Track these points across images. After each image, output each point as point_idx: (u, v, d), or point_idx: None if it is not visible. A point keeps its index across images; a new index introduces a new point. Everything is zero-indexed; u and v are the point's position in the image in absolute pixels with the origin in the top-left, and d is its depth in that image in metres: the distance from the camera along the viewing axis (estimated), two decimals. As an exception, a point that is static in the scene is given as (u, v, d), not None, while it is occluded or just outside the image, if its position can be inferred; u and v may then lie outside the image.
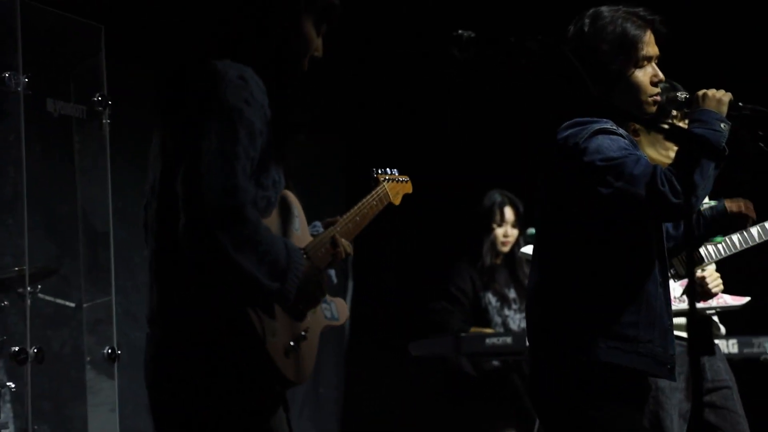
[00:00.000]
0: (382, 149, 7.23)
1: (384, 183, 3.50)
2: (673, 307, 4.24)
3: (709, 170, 3.33)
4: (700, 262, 4.32)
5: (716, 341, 4.41)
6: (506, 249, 6.44)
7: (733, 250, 4.33)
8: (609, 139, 3.36)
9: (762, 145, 3.49)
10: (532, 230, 6.21)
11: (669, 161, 4.33)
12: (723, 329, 4.47)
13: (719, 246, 4.31)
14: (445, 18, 6.41)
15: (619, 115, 3.49)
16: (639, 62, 3.47)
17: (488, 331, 6.27)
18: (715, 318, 4.45)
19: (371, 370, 7.25)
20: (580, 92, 3.46)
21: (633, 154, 3.33)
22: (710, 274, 4.29)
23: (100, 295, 5.22)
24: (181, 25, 5.97)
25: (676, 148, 4.22)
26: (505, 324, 6.32)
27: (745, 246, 4.34)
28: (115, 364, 5.05)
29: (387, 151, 7.22)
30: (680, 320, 4.27)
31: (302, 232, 3.00)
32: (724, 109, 3.42)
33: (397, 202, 3.53)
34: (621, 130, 3.43)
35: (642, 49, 3.47)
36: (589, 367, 3.34)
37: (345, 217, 3.20)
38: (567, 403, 3.38)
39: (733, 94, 3.44)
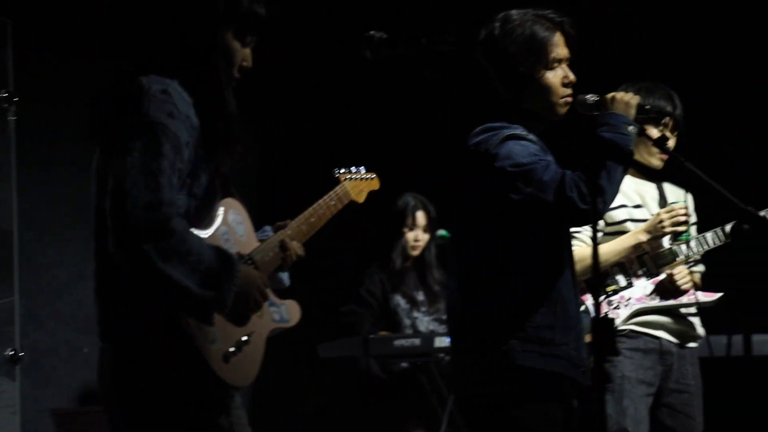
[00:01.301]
0: (298, 151, 7.22)
1: (344, 182, 3.54)
2: (645, 305, 4.32)
3: (617, 174, 3.37)
4: (672, 260, 4.36)
5: (692, 344, 4.44)
6: (416, 252, 6.45)
7: (707, 248, 4.38)
8: (519, 145, 3.38)
9: (669, 147, 3.54)
10: (442, 232, 6.25)
11: (660, 163, 4.39)
12: (701, 330, 4.46)
13: (692, 244, 4.35)
14: (360, 18, 6.40)
15: (530, 119, 3.51)
16: (549, 64, 3.49)
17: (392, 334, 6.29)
18: (694, 318, 4.45)
19: (280, 372, 7.21)
20: (491, 95, 3.49)
21: (543, 160, 3.36)
22: (679, 271, 4.32)
23: (2, 295, 5.11)
24: (92, 21, 5.91)
25: (656, 151, 4.29)
26: (414, 326, 6.33)
27: (718, 244, 4.38)
28: (17, 367, 4.96)
29: (304, 153, 7.21)
30: (653, 317, 4.34)
31: (248, 237, 3.06)
32: (632, 113, 3.46)
33: (360, 199, 3.59)
34: (531, 136, 3.45)
35: (551, 51, 3.49)
36: (508, 371, 3.36)
37: (297, 219, 3.25)
38: (490, 404, 3.40)
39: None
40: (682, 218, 4.23)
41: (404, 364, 6.20)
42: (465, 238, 3.51)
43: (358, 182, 3.61)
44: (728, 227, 4.32)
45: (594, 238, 2.95)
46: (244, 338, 2.93)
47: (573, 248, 4.21)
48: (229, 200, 3.03)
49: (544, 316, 3.39)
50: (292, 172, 7.19)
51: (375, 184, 3.71)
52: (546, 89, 3.50)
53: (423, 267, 6.49)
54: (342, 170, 3.61)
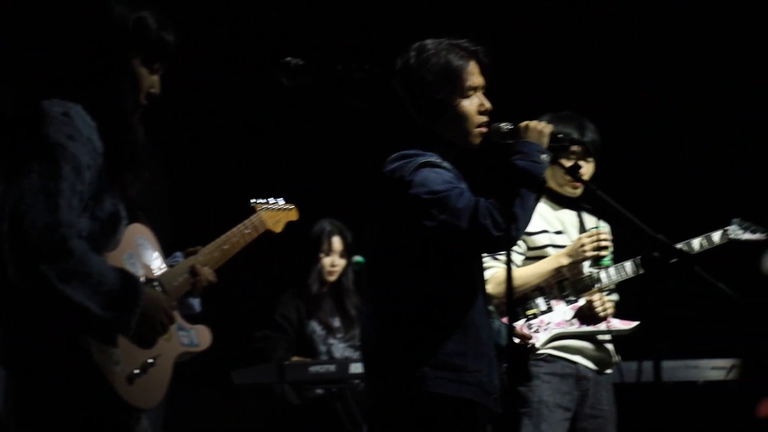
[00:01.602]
0: (211, 178, 7.17)
1: (260, 212, 3.54)
2: (564, 330, 4.35)
3: (530, 202, 3.40)
4: (591, 286, 4.40)
5: (608, 370, 4.49)
6: (333, 278, 6.45)
7: (626, 277, 4.43)
8: (434, 173, 3.40)
9: (580, 176, 3.58)
10: (358, 258, 6.25)
11: (574, 191, 4.44)
12: (617, 357, 4.52)
13: (610, 272, 4.40)
14: (275, 44, 6.41)
15: (444, 147, 3.54)
16: (464, 92, 3.52)
17: (308, 360, 6.27)
18: (610, 345, 4.50)
19: (195, 398, 7.15)
20: (406, 123, 3.51)
21: (457, 188, 3.38)
22: (598, 298, 4.37)
23: None
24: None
25: (570, 179, 4.34)
26: (329, 352, 6.32)
27: (636, 273, 4.44)
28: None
29: (218, 180, 7.17)
30: (571, 342, 4.37)
31: (155, 262, 3.05)
32: (545, 141, 3.50)
33: (277, 229, 3.59)
34: (446, 163, 3.47)
35: (467, 79, 3.53)
36: (420, 397, 3.37)
37: (209, 246, 3.25)
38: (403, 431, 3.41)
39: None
40: (603, 243, 4.29)
41: (319, 391, 6.18)
42: (379, 265, 3.53)
43: (275, 212, 3.62)
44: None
45: (508, 266, 2.97)
46: (150, 360, 2.93)
47: (493, 270, 4.27)
48: (136, 225, 3.04)
49: (456, 343, 3.40)
50: (207, 199, 7.15)
51: (293, 215, 3.72)
52: (461, 117, 3.53)
53: (340, 293, 6.48)
54: (259, 200, 3.62)
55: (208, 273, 3.17)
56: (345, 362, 5.96)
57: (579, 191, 4.44)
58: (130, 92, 2.95)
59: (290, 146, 7.21)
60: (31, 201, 2.68)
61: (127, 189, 2.94)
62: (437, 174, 3.40)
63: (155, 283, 2.99)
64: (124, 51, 2.95)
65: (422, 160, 3.42)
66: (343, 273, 6.43)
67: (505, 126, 3.61)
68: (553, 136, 3.53)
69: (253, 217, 3.50)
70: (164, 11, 3.06)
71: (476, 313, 3.46)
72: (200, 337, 3.19)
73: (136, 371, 2.87)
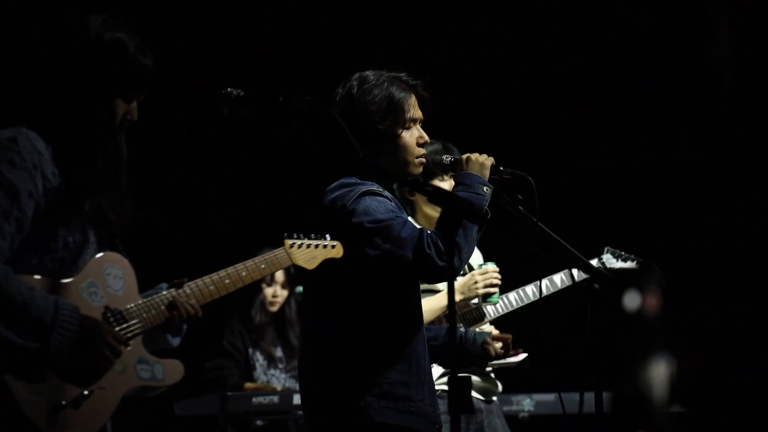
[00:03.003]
0: (165, 205, 7.10)
1: (288, 249, 3.30)
2: None
3: (473, 233, 3.42)
4: (479, 319, 4.42)
5: (494, 398, 4.52)
6: (275, 309, 6.44)
7: (510, 308, 4.46)
8: (376, 201, 3.41)
9: (521, 208, 3.60)
10: (300, 288, 6.23)
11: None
12: (500, 386, 4.57)
13: (497, 305, 4.43)
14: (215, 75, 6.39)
15: (385, 177, 3.54)
16: (405, 124, 3.55)
17: (260, 385, 6.23)
18: (493, 375, 4.54)
19: (135, 430, 7.06)
20: (347, 153, 3.51)
21: (400, 217, 3.39)
22: (488, 331, 4.38)
23: None
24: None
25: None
26: (270, 383, 6.29)
27: (521, 304, 4.48)
28: None
29: (174, 205, 7.10)
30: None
31: (125, 292, 2.98)
32: (487, 173, 3.54)
33: (311, 266, 3.32)
34: (386, 193, 3.48)
35: (408, 111, 3.55)
36: (364, 428, 3.36)
37: (204, 279, 3.13)
38: None
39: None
40: (495, 280, 4.34)
41: (260, 422, 6.14)
42: (319, 296, 3.51)
43: (310, 250, 3.33)
44: (528, 288, 4.46)
45: (450, 294, 2.95)
46: (86, 392, 2.84)
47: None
48: (108, 254, 2.97)
49: (400, 373, 3.40)
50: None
51: (336, 252, 3.39)
52: (402, 148, 3.55)
53: (282, 323, 6.47)
54: (294, 235, 3.36)
55: (190, 307, 3.06)
56: (288, 393, 5.92)
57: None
58: (97, 118, 2.89)
59: (232, 175, 7.17)
60: None
61: (103, 216, 2.91)
62: (379, 203, 3.40)
63: (109, 314, 2.90)
64: (95, 75, 2.88)
65: (364, 188, 3.42)
66: (286, 303, 6.42)
67: (447, 158, 3.65)
68: (493, 168, 3.56)
69: (277, 252, 3.29)
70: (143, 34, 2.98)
71: (419, 342, 3.46)
72: (167, 371, 3.07)
73: (63, 402, 2.79)
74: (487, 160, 3.56)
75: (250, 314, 6.42)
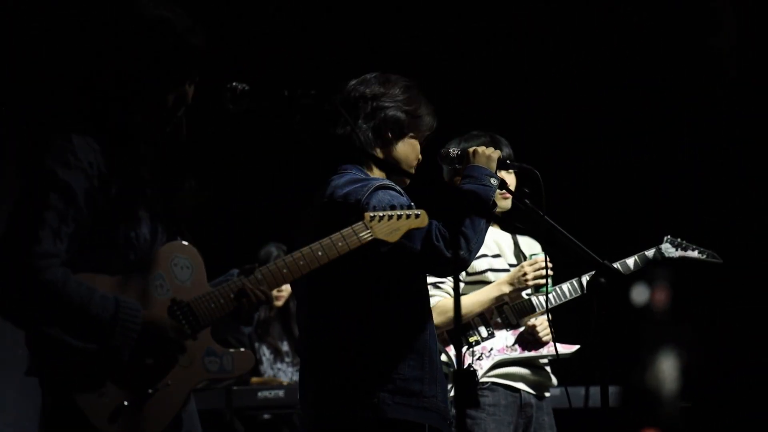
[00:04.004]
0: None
1: (367, 221, 3.18)
2: (506, 356, 4.33)
3: (481, 224, 3.41)
4: (531, 311, 4.40)
5: (547, 393, 4.48)
6: (280, 303, 6.44)
7: (563, 300, 4.43)
8: (389, 195, 3.40)
9: (528, 201, 3.59)
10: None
11: (505, 205, 4.44)
12: (555, 380, 4.51)
13: (550, 296, 4.39)
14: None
15: (393, 171, 3.54)
16: (419, 129, 3.59)
17: (266, 379, 6.24)
18: (548, 368, 4.50)
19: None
20: (351, 147, 3.50)
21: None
22: (540, 323, 4.36)
23: None
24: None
25: (500, 194, 4.33)
26: (277, 377, 6.29)
27: (575, 295, 4.44)
28: None
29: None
30: (513, 369, 4.35)
31: (193, 282, 2.89)
32: (494, 166, 3.55)
33: (393, 239, 3.21)
34: (398, 186, 3.48)
35: (424, 123, 3.59)
36: (376, 424, 3.34)
37: (277, 262, 3.05)
38: None
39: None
40: (544, 271, 4.28)
41: (266, 416, 6.14)
42: (327, 291, 3.49)
43: (392, 222, 3.21)
44: (584, 279, 4.41)
45: (456, 289, 2.96)
46: (150, 391, 2.78)
47: (435, 299, 4.25)
48: (175, 243, 2.90)
49: (412, 369, 3.38)
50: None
51: (421, 222, 3.26)
52: (410, 152, 3.59)
53: (287, 317, 6.47)
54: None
55: (259, 293, 2.97)
56: (294, 387, 5.92)
57: (508, 203, 4.41)
58: (145, 104, 2.84)
59: (239, 168, 7.18)
60: (10, 232, 2.66)
61: (166, 204, 2.88)
62: (392, 196, 3.40)
63: (176, 307, 2.83)
64: (137, 58, 2.82)
65: (377, 183, 3.42)
66: (290, 297, 6.41)
67: (454, 151, 3.65)
68: (500, 161, 3.57)
69: (356, 226, 3.16)
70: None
71: (430, 338, 3.45)
72: (236, 362, 2.97)
73: (126, 403, 2.73)
74: (494, 153, 3.57)
75: (256, 308, 6.43)
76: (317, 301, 3.51)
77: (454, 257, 3.29)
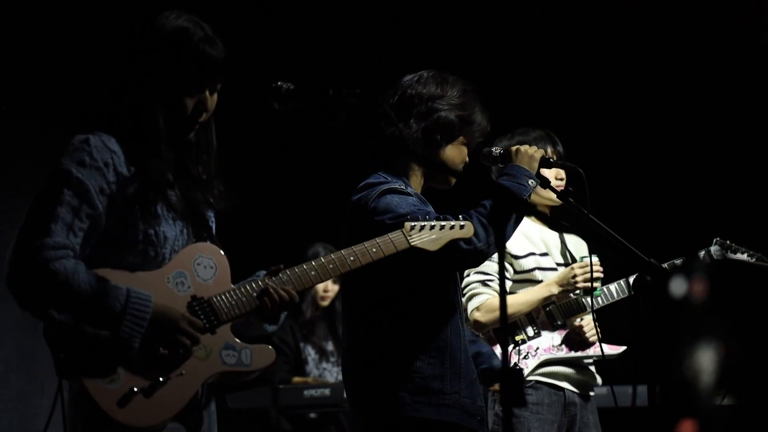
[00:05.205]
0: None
1: (406, 230, 3.22)
2: (552, 356, 4.32)
3: (505, 218, 3.38)
4: (579, 311, 4.39)
5: (591, 393, 4.46)
6: (326, 303, 6.46)
7: (612, 300, 4.42)
8: (398, 197, 3.39)
9: (571, 199, 3.58)
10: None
11: (547, 203, 4.43)
12: (599, 379, 4.50)
13: (599, 297, 4.37)
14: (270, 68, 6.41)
15: (440, 171, 3.53)
16: (473, 142, 3.57)
17: (309, 379, 6.26)
18: (592, 368, 4.48)
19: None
20: (391, 147, 3.50)
21: (422, 210, 3.36)
22: (587, 323, 4.35)
23: None
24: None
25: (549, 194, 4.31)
26: (322, 377, 6.31)
27: (623, 295, 4.43)
28: None
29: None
30: (558, 368, 4.35)
31: (215, 281, 2.98)
32: (535, 165, 3.52)
33: (434, 248, 3.23)
34: (410, 189, 3.46)
35: (477, 129, 3.56)
36: (400, 423, 3.35)
37: (308, 263, 3.11)
38: None
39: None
40: (596, 274, 4.27)
41: (313, 415, 6.17)
42: (354, 292, 3.51)
43: (434, 231, 3.24)
44: (632, 279, 4.37)
45: (502, 287, 2.95)
46: (161, 379, 2.86)
47: (483, 297, 4.25)
48: (201, 244, 2.99)
49: (433, 366, 3.38)
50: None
51: (466, 232, 3.29)
52: (458, 156, 3.55)
53: (333, 317, 6.49)
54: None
55: (283, 293, 3.03)
56: (339, 386, 5.94)
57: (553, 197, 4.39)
58: (165, 110, 2.92)
59: (284, 169, 7.20)
60: (25, 225, 2.78)
61: (194, 207, 2.97)
62: (401, 198, 3.39)
63: (195, 303, 2.92)
64: (157, 66, 2.92)
65: (385, 187, 3.41)
66: (336, 297, 6.43)
67: (496, 150, 3.64)
68: (543, 160, 3.55)
69: (393, 234, 3.21)
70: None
71: (452, 335, 3.43)
72: (256, 356, 3.02)
73: (135, 389, 2.82)
74: (537, 153, 3.55)
75: (301, 309, 6.45)
76: (348, 300, 3.53)
77: (470, 249, 3.29)
